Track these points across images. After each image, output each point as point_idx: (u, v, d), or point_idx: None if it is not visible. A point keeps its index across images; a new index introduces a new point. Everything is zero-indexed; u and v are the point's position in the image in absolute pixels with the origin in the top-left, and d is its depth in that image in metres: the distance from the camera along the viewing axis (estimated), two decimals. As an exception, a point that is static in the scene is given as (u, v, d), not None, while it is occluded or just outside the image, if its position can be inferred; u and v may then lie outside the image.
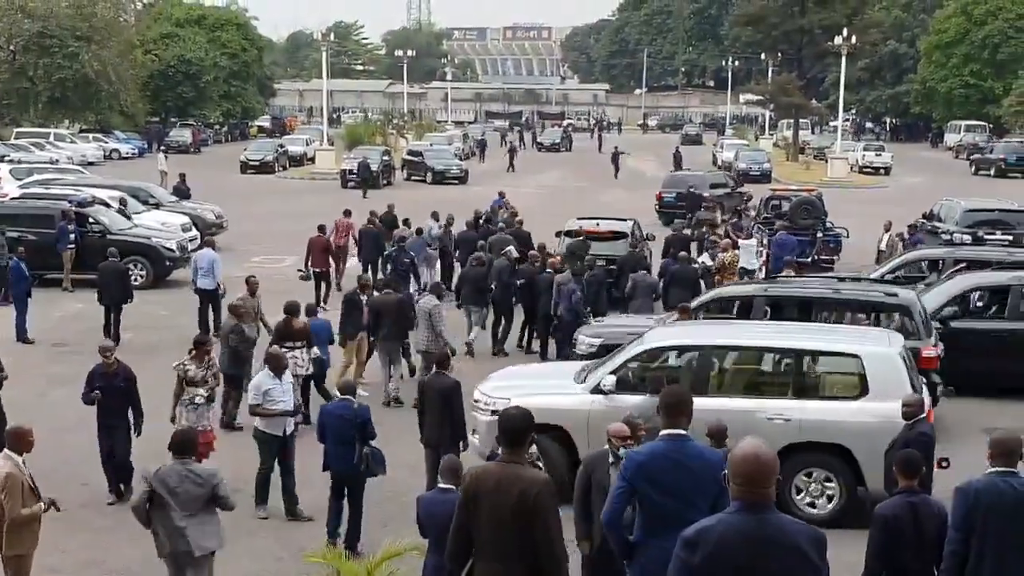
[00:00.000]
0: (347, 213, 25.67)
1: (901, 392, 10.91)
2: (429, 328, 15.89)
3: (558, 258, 20.29)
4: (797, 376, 12.01)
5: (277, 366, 11.89)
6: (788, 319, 14.83)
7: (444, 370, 11.86)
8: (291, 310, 14.84)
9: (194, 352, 12.61)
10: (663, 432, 6.70)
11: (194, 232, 27.57)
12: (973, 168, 62.35)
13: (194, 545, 8.44)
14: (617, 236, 23.02)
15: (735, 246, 22.57)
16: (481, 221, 25.74)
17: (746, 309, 15.70)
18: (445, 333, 15.94)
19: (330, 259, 23.03)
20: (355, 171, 47.31)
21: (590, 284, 19.23)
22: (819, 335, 13.01)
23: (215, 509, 8.67)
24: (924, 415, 10.82)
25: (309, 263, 22.62)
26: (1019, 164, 59.31)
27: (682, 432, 6.65)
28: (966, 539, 7.01)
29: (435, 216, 25.32)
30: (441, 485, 8.41)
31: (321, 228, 23.24)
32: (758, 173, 53.21)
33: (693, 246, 25.00)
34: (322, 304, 20.63)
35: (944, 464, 9.63)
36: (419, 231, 24.11)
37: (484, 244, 21.99)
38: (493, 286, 19.57)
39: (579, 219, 24.07)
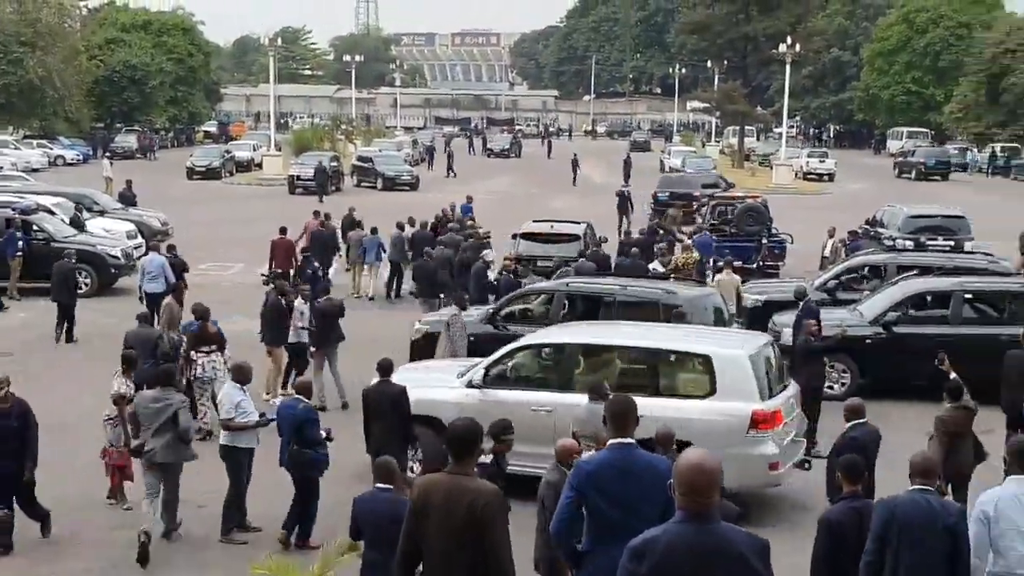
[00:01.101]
0: (316, 214, 26.21)
1: (747, 394, 11.31)
2: (448, 338, 15.77)
3: (511, 261, 20.82)
4: (653, 374, 12.32)
5: (244, 377, 11.66)
6: (583, 313, 15.85)
7: (389, 378, 11.86)
8: (202, 315, 14.86)
9: (124, 368, 12.24)
10: (611, 441, 6.72)
11: (139, 239, 27.31)
12: (897, 171, 65.48)
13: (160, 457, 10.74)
14: (571, 238, 23.83)
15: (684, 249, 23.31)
16: (442, 222, 26.70)
17: (548, 303, 16.54)
18: (461, 343, 15.74)
19: (292, 261, 23.10)
20: (311, 176, 47.25)
21: None
22: (678, 336, 13.28)
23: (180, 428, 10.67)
24: (864, 419, 11.03)
25: (272, 265, 22.96)
26: (938, 167, 63.30)
27: (629, 441, 6.68)
28: (881, 550, 7.24)
29: (411, 222, 25.59)
30: (378, 485, 8.51)
31: (283, 230, 23.64)
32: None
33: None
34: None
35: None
36: (374, 230, 24.81)
37: (441, 243, 22.80)
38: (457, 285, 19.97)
39: (534, 221, 25.06)
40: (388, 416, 11.55)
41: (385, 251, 24.67)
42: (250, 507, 11.48)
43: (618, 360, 12.71)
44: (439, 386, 12.77)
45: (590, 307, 16.02)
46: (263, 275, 23.25)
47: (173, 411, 10.80)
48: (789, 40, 60.80)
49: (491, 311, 16.79)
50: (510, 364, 12.75)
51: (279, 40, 72.72)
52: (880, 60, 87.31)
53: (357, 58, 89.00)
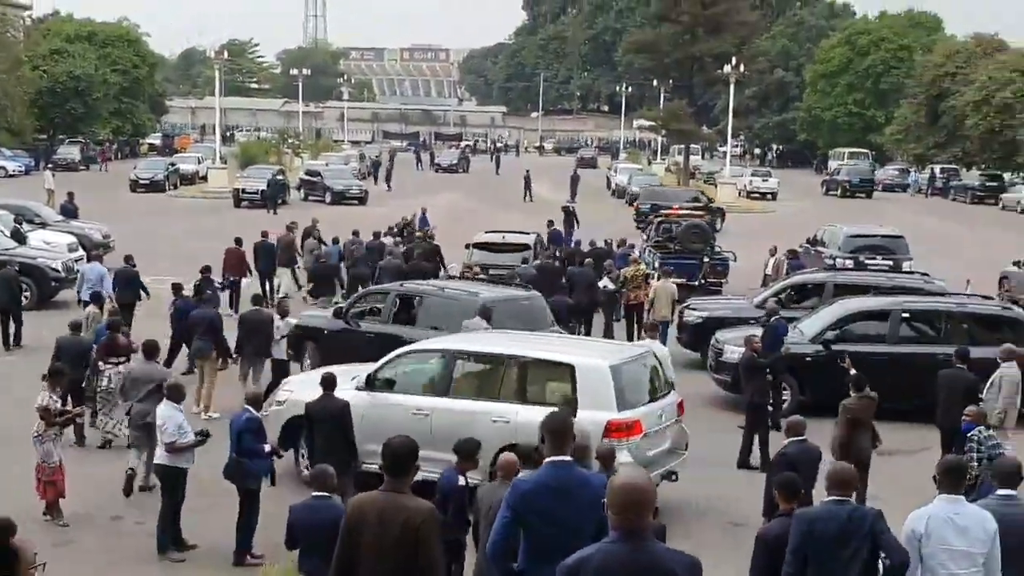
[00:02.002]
0: (289, 228, 27.66)
1: (605, 403, 11.62)
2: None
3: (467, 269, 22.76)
4: (520, 382, 12.68)
5: (180, 396, 11.69)
6: (407, 311, 17.40)
7: (332, 392, 11.89)
8: (115, 326, 15.16)
9: (51, 382, 12.22)
10: (548, 459, 6.71)
11: (80, 252, 27.07)
12: (824, 189, 67.74)
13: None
14: (522, 248, 25.35)
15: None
16: (402, 231, 28.81)
17: (381, 303, 18.10)
18: None
19: (245, 270, 24.68)
20: (256, 189, 47.29)
21: None
22: (547, 345, 13.71)
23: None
24: (803, 437, 11.23)
25: (225, 272, 24.00)
26: (862, 185, 66.02)
27: (567, 459, 6.67)
28: (799, 562, 7.35)
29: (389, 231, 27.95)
30: (314, 493, 8.55)
31: (238, 240, 24.91)
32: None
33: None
34: (232, 311, 21.91)
35: None
36: (335, 240, 26.31)
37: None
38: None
39: (487, 232, 26.85)
40: (330, 430, 11.58)
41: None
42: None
43: (490, 368, 13.11)
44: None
45: (411, 306, 17.49)
46: (218, 282, 23.52)
47: (158, 382, 12.40)
48: (734, 61, 61.69)
49: (342, 309, 18.46)
50: (395, 369, 13.28)
51: (225, 53, 72.30)
52: (822, 82, 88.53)
53: (304, 72, 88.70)
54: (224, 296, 22.87)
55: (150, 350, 13.28)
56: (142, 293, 21.09)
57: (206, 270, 20.45)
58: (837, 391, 16.86)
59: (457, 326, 15.63)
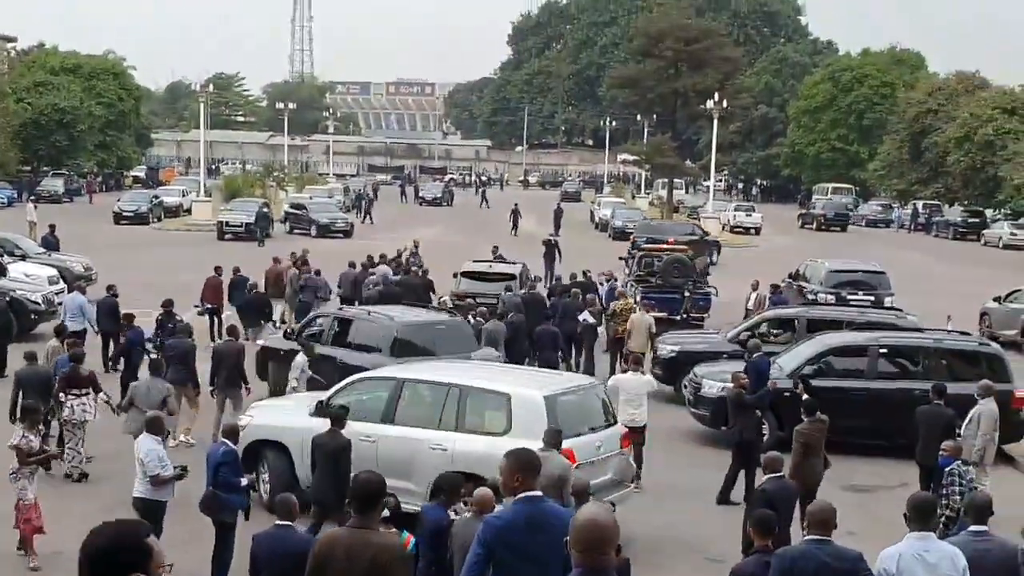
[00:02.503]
0: (293, 256, 28.60)
1: (539, 433, 11.61)
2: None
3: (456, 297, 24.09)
4: (461, 410, 12.86)
5: (160, 429, 11.68)
6: (341, 334, 18.24)
7: (339, 428, 11.92)
8: (77, 358, 15.10)
9: (27, 422, 12.12)
10: (520, 495, 6.70)
11: (62, 284, 27.08)
12: (800, 222, 69.07)
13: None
14: (508, 277, 25.98)
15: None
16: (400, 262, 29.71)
17: (323, 326, 19.01)
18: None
19: (222, 298, 25.07)
20: (241, 223, 47.71)
21: (510, 326, 20.71)
22: (487, 374, 14.00)
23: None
24: (781, 473, 11.22)
25: (203, 300, 24.71)
26: (837, 219, 67.94)
27: (537, 494, 6.69)
28: None
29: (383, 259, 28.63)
30: (277, 522, 8.51)
31: (217, 269, 25.51)
32: (633, 231, 54.19)
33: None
34: (215, 338, 22.94)
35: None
36: (317, 272, 26.87)
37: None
38: None
39: (474, 261, 27.62)
40: (330, 466, 11.64)
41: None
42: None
43: (431, 397, 13.35)
44: (287, 415, 14.09)
45: (346, 329, 18.40)
46: (196, 306, 24.85)
47: (162, 397, 13.74)
48: (717, 96, 62.13)
49: (295, 331, 19.56)
50: (348, 396, 13.57)
51: (211, 86, 72.48)
52: (806, 117, 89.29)
53: (290, 105, 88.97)
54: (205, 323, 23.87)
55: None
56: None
57: (168, 304, 20.30)
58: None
59: (377, 346, 16.81)
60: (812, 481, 12.60)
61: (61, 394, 14.62)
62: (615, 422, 13.56)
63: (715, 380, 17.67)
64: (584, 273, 27.84)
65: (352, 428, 12.65)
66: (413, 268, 28.66)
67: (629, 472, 13.34)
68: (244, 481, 11.30)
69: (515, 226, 55.59)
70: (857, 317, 21.07)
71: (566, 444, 11.89)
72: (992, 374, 16.83)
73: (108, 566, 3.54)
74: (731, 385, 15.38)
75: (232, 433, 11.60)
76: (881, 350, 18.13)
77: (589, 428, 12.91)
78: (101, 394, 15.13)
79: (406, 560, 6.15)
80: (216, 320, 24.60)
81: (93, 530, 3.63)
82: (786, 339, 20.39)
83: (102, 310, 21.21)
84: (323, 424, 12.64)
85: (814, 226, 66.51)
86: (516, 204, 59.07)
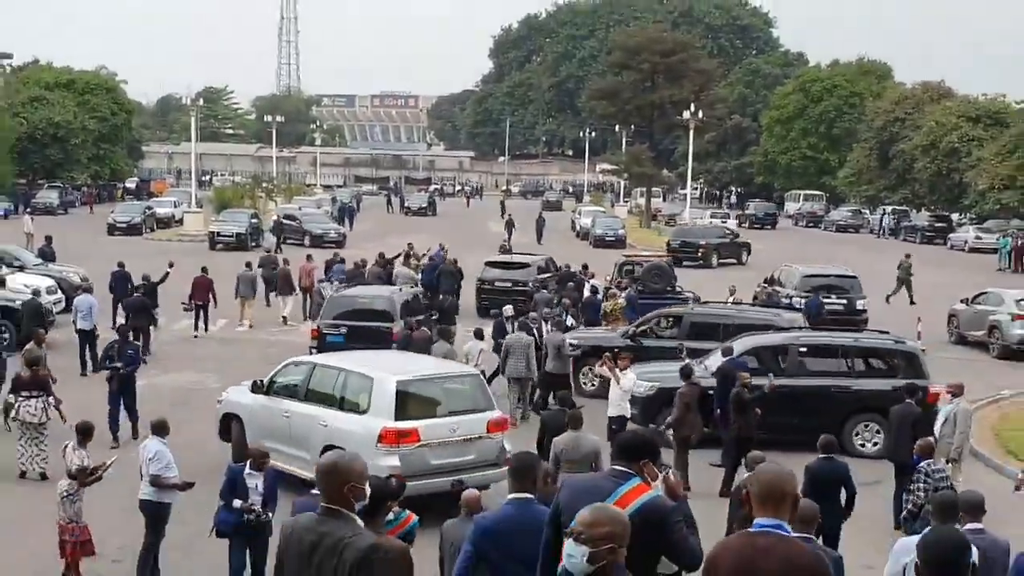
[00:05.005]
0: (309, 258, 32.54)
1: (386, 413, 13.38)
2: (526, 358, 19.33)
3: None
4: (342, 391, 14.59)
5: (166, 432, 11.75)
6: None
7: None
8: (33, 362, 15.42)
9: (81, 439, 11.91)
10: (510, 496, 6.85)
11: (59, 295, 27.79)
12: (737, 223, 70.92)
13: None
14: (525, 266, 31.61)
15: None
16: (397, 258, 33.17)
17: None
18: (532, 362, 19.53)
19: (209, 295, 27.74)
20: (232, 232, 50.00)
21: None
22: (368, 360, 15.65)
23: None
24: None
25: (192, 298, 27.52)
26: (766, 218, 76.21)
27: (529, 496, 6.76)
28: None
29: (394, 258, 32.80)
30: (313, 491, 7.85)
31: (204, 270, 28.32)
32: (613, 239, 55.49)
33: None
34: (200, 331, 27.38)
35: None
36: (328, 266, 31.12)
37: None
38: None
39: (500, 252, 34.44)
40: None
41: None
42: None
43: (327, 378, 14.99)
44: (242, 394, 16.01)
45: None
46: (183, 304, 27.91)
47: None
48: (692, 107, 63.71)
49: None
50: (283, 376, 15.59)
51: (201, 100, 74.13)
52: (778, 127, 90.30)
53: (278, 118, 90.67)
54: (190, 318, 27.88)
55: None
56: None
57: (123, 330, 19.14)
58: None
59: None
60: (691, 432, 15.53)
61: (11, 396, 14.91)
62: (489, 410, 14.33)
63: (644, 380, 17.99)
64: (584, 267, 31.73)
65: (277, 404, 15.04)
66: (443, 262, 32.78)
67: (499, 455, 13.72)
68: (237, 503, 10.97)
69: (509, 236, 56.90)
70: (734, 315, 21.96)
71: (412, 424, 13.47)
72: (909, 370, 17.72)
73: None
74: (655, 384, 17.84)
75: (256, 456, 11.38)
76: (801, 349, 18.77)
77: (449, 412, 14.10)
78: (51, 398, 15.18)
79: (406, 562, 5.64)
80: (204, 316, 27.63)
81: None
82: (672, 335, 21.51)
83: (132, 308, 23.52)
84: (257, 399, 15.24)
85: (746, 225, 71.16)
86: (511, 215, 59.86)
